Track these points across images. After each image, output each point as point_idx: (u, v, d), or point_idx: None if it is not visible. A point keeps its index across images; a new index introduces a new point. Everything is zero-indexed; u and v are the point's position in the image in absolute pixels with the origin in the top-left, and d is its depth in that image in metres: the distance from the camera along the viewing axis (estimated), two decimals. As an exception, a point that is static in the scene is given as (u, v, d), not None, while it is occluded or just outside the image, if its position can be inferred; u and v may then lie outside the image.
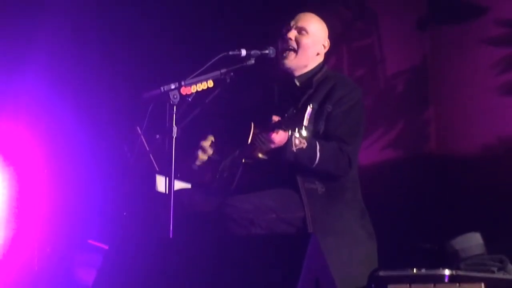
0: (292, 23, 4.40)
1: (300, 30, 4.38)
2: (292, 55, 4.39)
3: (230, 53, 4.23)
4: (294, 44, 4.39)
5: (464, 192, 5.22)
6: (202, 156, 4.40)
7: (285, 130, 3.99)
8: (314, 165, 4.16)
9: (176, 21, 5.91)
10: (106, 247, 4.37)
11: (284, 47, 4.39)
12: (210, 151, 4.40)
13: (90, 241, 4.95)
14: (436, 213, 5.18)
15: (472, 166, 5.29)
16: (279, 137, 4.07)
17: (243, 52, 4.26)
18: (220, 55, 4.17)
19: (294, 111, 3.92)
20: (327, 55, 4.48)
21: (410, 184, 5.36)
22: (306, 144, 4.05)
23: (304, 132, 3.86)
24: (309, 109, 3.86)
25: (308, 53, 4.40)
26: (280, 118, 4.00)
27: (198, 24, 5.89)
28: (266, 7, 5.78)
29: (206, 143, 4.42)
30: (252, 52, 4.27)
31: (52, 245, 5.13)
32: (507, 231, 4.89)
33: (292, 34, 4.38)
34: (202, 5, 5.87)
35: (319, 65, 4.45)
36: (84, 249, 4.96)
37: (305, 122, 3.84)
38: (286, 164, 4.15)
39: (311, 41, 4.39)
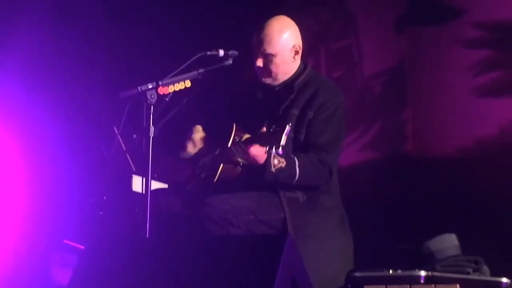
0: (258, 48, 4.31)
1: (266, 56, 4.30)
2: (266, 76, 4.37)
3: (208, 53, 4.22)
4: (265, 71, 4.34)
5: (440, 193, 5.25)
6: (191, 150, 4.37)
7: (262, 145, 4.00)
8: (294, 182, 4.18)
9: (153, 21, 5.90)
10: (82, 247, 4.35)
11: (258, 70, 4.35)
12: (199, 145, 4.36)
13: (66, 240, 4.93)
14: (412, 214, 5.20)
15: (448, 167, 5.32)
16: (255, 150, 4.09)
17: (221, 52, 4.25)
18: (198, 55, 4.17)
19: (277, 128, 3.88)
20: (305, 56, 4.47)
21: (386, 185, 5.39)
22: (285, 162, 4.07)
23: (280, 151, 3.86)
24: (287, 127, 3.85)
25: (282, 69, 4.34)
26: (265, 130, 3.99)
27: (175, 24, 5.88)
28: (244, 7, 5.76)
29: (197, 135, 4.39)
30: (230, 52, 4.26)
31: (28, 244, 5.10)
32: (482, 232, 4.92)
33: (260, 62, 4.31)
34: (179, 5, 5.86)
35: (299, 67, 4.40)
36: (60, 248, 4.93)
37: (282, 142, 3.82)
38: (265, 183, 4.17)
39: (281, 60, 4.31)
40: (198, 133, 4.37)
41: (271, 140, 3.86)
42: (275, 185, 4.21)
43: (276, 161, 4.04)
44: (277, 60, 4.31)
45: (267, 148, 3.91)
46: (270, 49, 4.29)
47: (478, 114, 5.25)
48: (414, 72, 5.53)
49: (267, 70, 4.34)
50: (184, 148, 4.37)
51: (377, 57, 5.65)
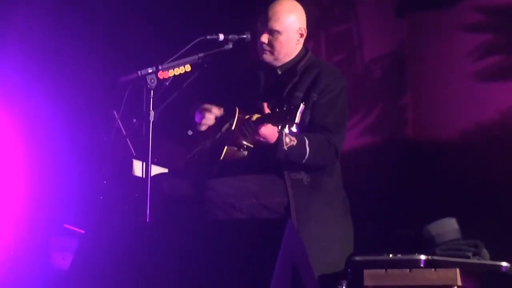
0: (264, 25, 4.34)
1: (272, 33, 4.33)
2: (268, 54, 4.37)
3: (208, 37, 4.23)
4: (268, 48, 4.36)
5: (440, 177, 5.25)
6: (209, 116, 4.36)
7: (274, 124, 3.99)
8: (304, 161, 4.18)
9: (153, 5, 5.88)
10: (83, 232, 4.36)
11: (260, 47, 4.37)
12: (217, 112, 4.35)
13: (66, 225, 4.93)
14: (413, 199, 5.21)
15: (448, 152, 5.31)
16: (266, 130, 4.07)
17: (221, 37, 4.26)
18: (198, 39, 4.16)
19: (291, 106, 3.90)
20: (306, 40, 4.47)
21: (387, 170, 5.38)
22: (296, 141, 4.07)
23: (294, 129, 3.86)
24: (302, 106, 3.86)
25: (285, 49, 4.38)
26: (270, 109, 3.99)
27: (175, 8, 5.86)
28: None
29: (209, 105, 4.38)
30: (230, 36, 4.27)
31: (29, 229, 5.11)
32: (482, 217, 4.92)
33: (265, 37, 4.34)
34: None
35: (301, 51, 4.44)
36: (61, 233, 4.94)
37: (297, 120, 3.84)
38: (276, 162, 4.16)
39: (285, 38, 4.35)
40: (207, 105, 4.37)
41: (284, 119, 3.87)
42: (285, 164, 4.20)
43: (287, 139, 4.05)
44: (282, 38, 4.33)
45: (279, 127, 3.92)
46: (277, 26, 4.31)
47: (479, 98, 5.24)
48: (414, 57, 5.52)
49: (270, 47, 4.34)
50: (201, 118, 4.35)
51: (377, 42, 5.64)
